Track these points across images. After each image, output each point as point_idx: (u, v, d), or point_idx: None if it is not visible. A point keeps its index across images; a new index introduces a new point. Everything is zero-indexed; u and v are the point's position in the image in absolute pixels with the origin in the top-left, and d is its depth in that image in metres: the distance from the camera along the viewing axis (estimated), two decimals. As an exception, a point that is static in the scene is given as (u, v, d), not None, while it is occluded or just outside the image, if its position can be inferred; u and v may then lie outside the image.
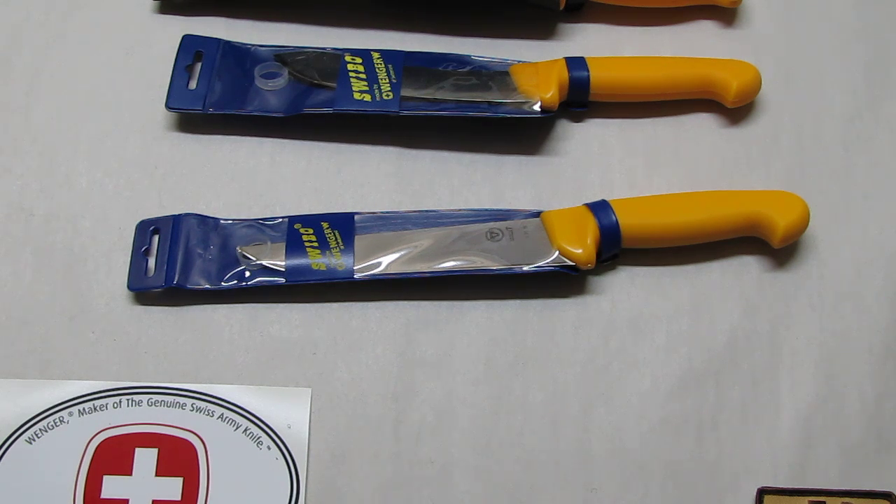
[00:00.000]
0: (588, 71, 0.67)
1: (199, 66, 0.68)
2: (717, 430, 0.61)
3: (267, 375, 0.61)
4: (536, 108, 0.66)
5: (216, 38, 0.69)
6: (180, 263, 0.62)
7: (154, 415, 0.59)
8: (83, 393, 0.59)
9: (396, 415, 0.60)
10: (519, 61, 0.69)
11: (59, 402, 0.59)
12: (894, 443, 0.61)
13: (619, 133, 0.69)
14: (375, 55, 0.68)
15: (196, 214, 0.64)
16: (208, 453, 0.58)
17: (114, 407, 0.59)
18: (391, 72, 0.67)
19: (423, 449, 0.60)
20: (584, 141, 0.69)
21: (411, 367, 0.61)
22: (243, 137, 0.68)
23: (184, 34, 0.69)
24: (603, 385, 0.62)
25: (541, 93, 0.66)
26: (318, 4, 0.73)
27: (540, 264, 0.62)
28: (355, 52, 0.69)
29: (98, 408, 0.59)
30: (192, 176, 0.66)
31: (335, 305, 0.63)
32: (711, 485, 0.60)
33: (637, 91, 0.68)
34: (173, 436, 0.58)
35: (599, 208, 0.63)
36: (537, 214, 0.65)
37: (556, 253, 0.62)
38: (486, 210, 0.65)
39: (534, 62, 0.69)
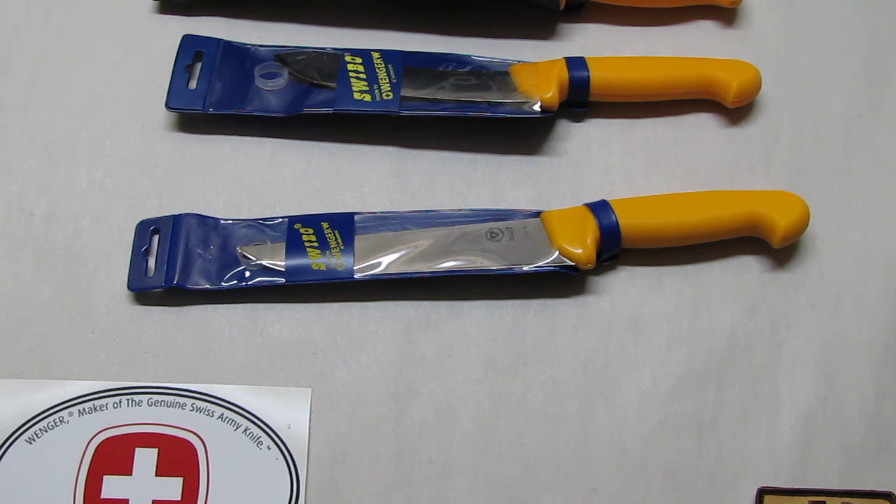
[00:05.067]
0: (588, 71, 0.67)
1: (199, 66, 0.68)
2: (717, 430, 0.61)
3: (267, 375, 0.61)
4: (536, 108, 0.66)
5: (216, 38, 0.69)
6: (180, 263, 0.62)
7: (154, 415, 0.59)
8: (83, 393, 0.59)
9: (396, 415, 0.60)
10: (519, 61, 0.69)
11: (59, 402, 0.59)
12: (894, 443, 0.61)
13: (619, 133, 0.69)
14: (375, 55, 0.68)
15: (196, 214, 0.64)
16: (208, 453, 0.58)
17: (114, 407, 0.59)
18: (391, 72, 0.67)
19: (424, 449, 0.60)
20: (584, 141, 0.69)
21: (411, 367, 0.61)
22: (243, 137, 0.68)
23: (184, 34, 0.69)
24: (603, 385, 0.62)
25: (541, 93, 0.66)
26: (318, 4, 0.73)
27: (540, 264, 0.62)
28: (355, 52, 0.69)
29: (98, 408, 0.59)
30: (192, 176, 0.66)
31: (335, 305, 0.63)
32: (711, 485, 0.60)
33: (637, 91, 0.68)
34: (173, 436, 0.58)
35: (599, 208, 0.63)
36: (537, 214, 0.65)
37: (556, 253, 0.62)
38: (486, 210, 0.65)
39: (534, 62, 0.69)
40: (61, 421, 0.58)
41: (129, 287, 0.62)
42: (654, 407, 0.61)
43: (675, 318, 0.63)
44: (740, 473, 0.60)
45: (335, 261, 0.62)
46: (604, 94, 0.68)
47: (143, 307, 0.62)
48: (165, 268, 0.62)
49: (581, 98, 0.68)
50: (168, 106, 0.67)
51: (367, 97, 0.66)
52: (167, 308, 0.62)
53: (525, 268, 0.62)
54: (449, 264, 0.62)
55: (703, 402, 0.61)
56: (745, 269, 0.65)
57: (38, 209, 0.65)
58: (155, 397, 0.59)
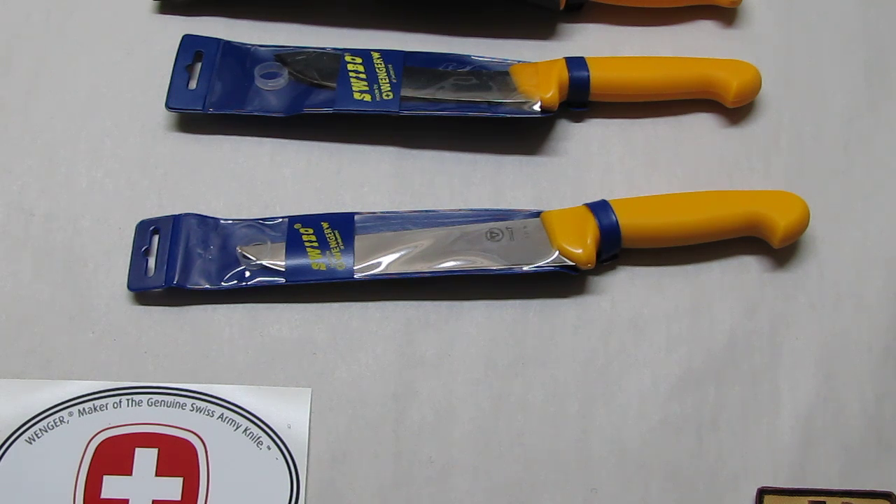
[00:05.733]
0: (588, 71, 0.67)
1: (199, 66, 0.68)
2: (717, 430, 0.61)
3: (267, 375, 0.61)
4: (536, 108, 0.66)
5: (216, 38, 0.69)
6: (180, 263, 0.62)
7: (154, 415, 0.59)
8: (83, 393, 0.59)
9: (396, 415, 0.60)
10: (519, 61, 0.69)
11: (59, 402, 0.59)
12: (894, 443, 0.61)
13: (619, 133, 0.69)
14: (375, 55, 0.68)
15: (196, 214, 0.64)
16: (208, 453, 0.58)
17: (114, 407, 0.59)
18: (391, 72, 0.67)
19: (424, 449, 0.60)
20: (584, 141, 0.69)
21: (411, 367, 0.61)
22: (243, 137, 0.68)
23: (184, 34, 0.69)
24: (603, 385, 0.62)
25: (541, 93, 0.66)
26: (318, 4, 0.73)
27: (540, 264, 0.62)
28: (355, 52, 0.69)
29: (98, 408, 0.59)
30: (192, 176, 0.66)
31: (335, 305, 0.63)
32: (711, 485, 0.60)
33: (637, 91, 0.68)
34: (173, 436, 0.58)
35: (599, 208, 0.63)
36: (537, 214, 0.65)
37: (556, 253, 0.62)
38: (486, 210, 0.65)
39: (534, 62, 0.69)
40: (61, 421, 0.58)
41: (129, 287, 0.62)
42: (654, 407, 0.61)
43: (675, 318, 0.63)
44: (740, 473, 0.60)
45: (335, 261, 0.62)
46: (604, 94, 0.68)
47: (143, 307, 0.62)
48: (165, 268, 0.62)
49: (581, 98, 0.68)
50: (168, 106, 0.67)
51: (367, 97, 0.66)
52: (167, 308, 0.62)
53: (525, 268, 0.62)
54: (449, 264, 0.62)
55: (703, 402, 0.61)
56: (745, 269, 0.65)
57: (38, 209, 0.65)
58: (155, 397, 0.59)
